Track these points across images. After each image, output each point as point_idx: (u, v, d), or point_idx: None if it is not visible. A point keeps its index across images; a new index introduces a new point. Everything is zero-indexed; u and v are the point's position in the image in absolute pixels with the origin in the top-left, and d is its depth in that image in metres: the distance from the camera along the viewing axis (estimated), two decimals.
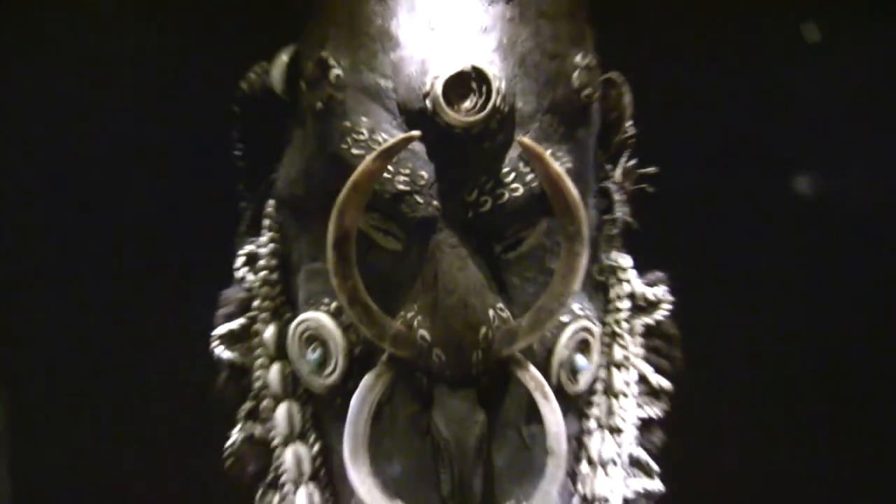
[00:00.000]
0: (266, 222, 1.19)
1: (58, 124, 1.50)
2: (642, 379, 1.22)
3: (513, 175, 1.04)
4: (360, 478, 1.03)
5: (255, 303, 1.18)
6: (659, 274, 1.23)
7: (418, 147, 1.03)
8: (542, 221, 1.07)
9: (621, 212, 1.19)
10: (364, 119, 1.03)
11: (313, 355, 1.10)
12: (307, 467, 1.16)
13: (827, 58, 1.51)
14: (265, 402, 1.18)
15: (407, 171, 1.03)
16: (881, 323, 1.57)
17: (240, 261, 1.20)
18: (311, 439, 1.17)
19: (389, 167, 1.01)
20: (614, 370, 1.20)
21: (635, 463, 1.22)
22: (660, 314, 1.22)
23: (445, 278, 1.02)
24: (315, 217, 1.08)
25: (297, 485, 1.17)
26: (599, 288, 1.20)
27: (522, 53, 1.05)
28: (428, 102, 1.01)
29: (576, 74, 1.05)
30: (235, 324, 1.18)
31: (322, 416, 1.16)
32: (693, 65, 1.46)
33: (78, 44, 1.48)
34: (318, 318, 1.09)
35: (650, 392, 1.22)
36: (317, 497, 1.16)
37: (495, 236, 1.06)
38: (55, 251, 1.54)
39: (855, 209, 1.58)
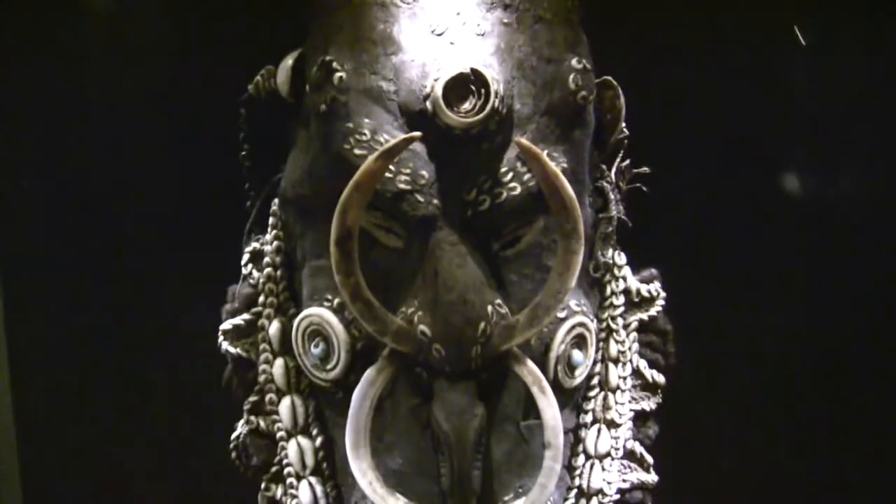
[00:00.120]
0: (271, 221, 1.21)
1: (63, 125, 1.49)
2: (637, 373, 1.24)
3: (511, 175, 1.06)
4: (361, 470, 1.05)
5: (260, 299, 1.20)
6: (653, 271, 1.25)
7: (419, 147, 1.05)
8: (540, 220, 1.09)
9: (616, 210, 1.21)
10: (366, 120, 1.06)
11: (316, 350, 1.12)
12: (310, 460, 1.19)
13: (824, 57, 1.51)
14: (269, 396, 1.20)
15: (408, 171, 1.05)
16: (879, 322, 1.57)
17: (245, 258, 1.22)
18: (314, 433, 1.19)
19: (391, 167, 1.04)
20: (610, 365, 1.23)
21: (630, 455, 1.24)
22: (654, 310, 1.24)
23: (445, 275, 1.04)
24: (318, 215, 1.11)
25: (299, 477, 1.19)
26: (595, 284, 1.22)
27: (520, 57, 1.08)
28: (428, 104, 1.04)
29: (571, 77, 1.07)
30: (241, 319, 1.21)
31: (325, 409, 1.18)
32: (686, 66, 1.46)
33: (85, 47, 1.49)
34: (322, 313, 1.11)
35: (644, 386, 1.25)
36: (319, 489, 1.19)
37: (494, 234, 1.08)
38: (60, 252, 1.53)
39: (852, 209, 1.58)
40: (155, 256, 1.52)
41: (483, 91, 1.02)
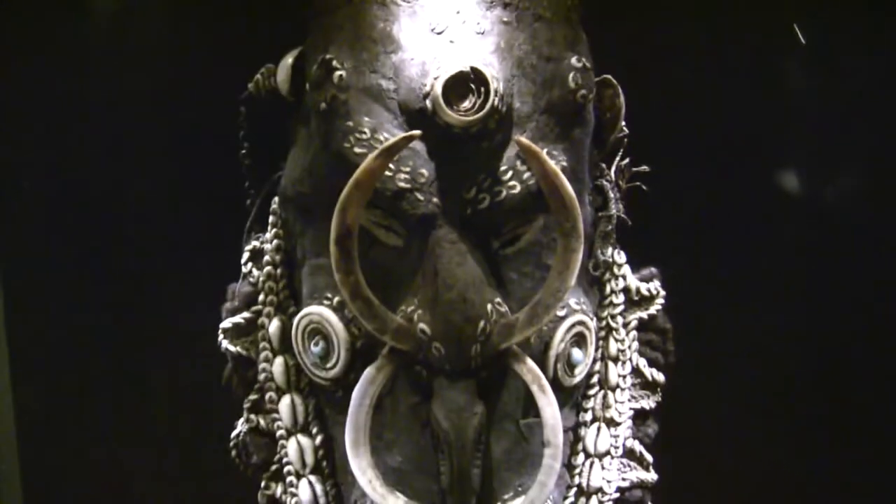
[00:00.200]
0: (271, 219, 1.21)
1: (63, 124, 1.49)
2: (636, 372, 1.24)
3: (510, 173, 1.06)
4: (361, 468, 1.06)
5: (260, 297, 1.20)
6: (652, 269, 1.25)
7: (419, 146, 1.05)
8: (539, 218, 1.09)
9: (616, 209, 1.21)
10: (366, 119, 1.06)
11: (316, 349, 1.12)
12: (310, 458, 1.19)
13: (824, 57, 1.51)
14: (269, 395, 1.20)
15: (408, 170, 1.05)
16: (879, 322, 1.57)
17: (245, 256, 1.22)
18: (314, 431, 1.19)
19: (391, 165, 1.04)
20: (609, 363, 1.23)
21: (630, 454, 1.24)
22: (653, 308, 1.24)
23: (445, 273, 1.04)
24: (318, 214, 1.11)
25: (299, 476, 1.19)
26: (595, 283, 1.22)
27: (519, 56, 1.08)
28: (428, 103, 1.04)
29: (571, 76, 1.08)
30: (240, 318, 1.21)
31: (324, 408, 1.18)
32: (686, 65, 1.46)
33: (85, 45, 1.49)
34: (322, 312, 1.11)
35: (644, 385, 1.25)
36: (319, 488, 1.19)
37: (493, 233, 1.08)
38: (60, 252, 1.54)
39: (852, 209, 1.58)
40: (155, 256, 1.52)
41: (483, 89, 1.02)
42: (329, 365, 1.11)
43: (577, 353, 1.13)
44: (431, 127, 1.04)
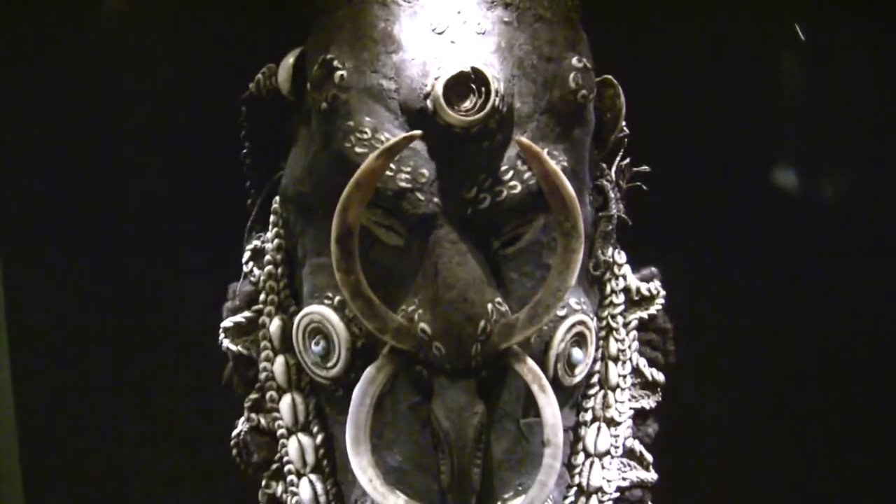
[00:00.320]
0: (272, 218, 1.21)
1: (63, 124, 1.49)
2: (636, 372, 1.24)
3: (511, 173, 1.06)
4: (361, 467, 1.06)
5: (261, 296, 1.20)
6: (653, 269, 1.26)
7: (419, 146, 1.06)
8: (540, 218, 1.10)
9: (616, 209, 1.21)
10: (367, 119, 1.06)
11: (317, 348, 1.12)
12: (310, 457, 1.19)
13: (824, 57, 1.52)
14: (270, 394, 1.20)
15: (408, 169, 1.05)
16: (879, 322, 1.58)
17: (246, 256, 1.22)
18: (315, 430, 1.19)
19: (391, 165, 1.04)
20: (610, 363, 1.23)
21: (630, 454, 1.24)
22: (654, 308, 1.24)
23: (445, 273, 1.04)
24: (319, 213, 1.11)
25: (300, 475, 1.20)
26: (595, 283, 1.22)
27: (520, 56, 1.08)
28: (429, 103, 1.04)
29: (572, 76, 1.08)
30: (241, 317, 1.21)
31: (325, 407, 1.18)
32: (686, 65, 1.47)
33: (85, 45, 1.49)
34: (322, 311, 1.11)
35: (644, 384, 1.25)
36: (319, 487, 1.19)
37: (494, 232, 1.09)
38: (60, 252, 1.54)
39: (852, 209, 1.58)
40: (156, 255, 1.52)
41: (483, 89, 1.03)
42: (330, 364, 1.12)
43: (577, 353, 1.14)
44: (432, 127, 1.04)
